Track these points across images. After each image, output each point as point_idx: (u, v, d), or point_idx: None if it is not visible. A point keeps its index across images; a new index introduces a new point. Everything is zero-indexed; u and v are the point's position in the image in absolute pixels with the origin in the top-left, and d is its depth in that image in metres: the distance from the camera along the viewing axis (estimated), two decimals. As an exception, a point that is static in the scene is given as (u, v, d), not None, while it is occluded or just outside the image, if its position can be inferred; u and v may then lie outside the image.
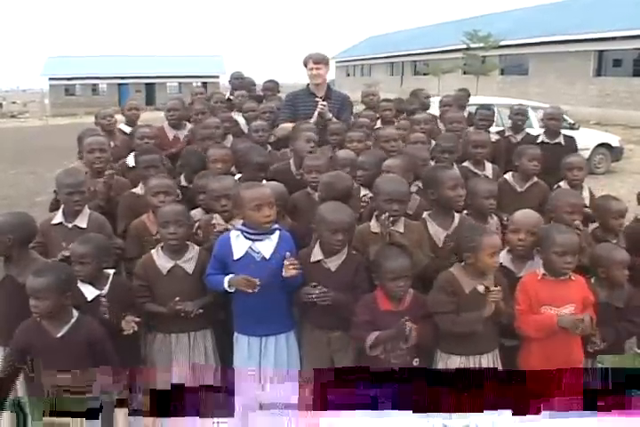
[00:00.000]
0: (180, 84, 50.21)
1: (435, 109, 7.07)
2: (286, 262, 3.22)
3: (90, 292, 3.29)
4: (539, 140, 5.88)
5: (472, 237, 3.22)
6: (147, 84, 49.70)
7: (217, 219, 3.80)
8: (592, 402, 2.80)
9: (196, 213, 4.02)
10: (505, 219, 3.90)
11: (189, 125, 5.99)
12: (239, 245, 3.35)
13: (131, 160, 5.03)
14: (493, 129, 6.46)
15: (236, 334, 3.54)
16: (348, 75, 55.72)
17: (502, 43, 27.54)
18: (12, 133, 26.08)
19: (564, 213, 3.73)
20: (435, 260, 3.57)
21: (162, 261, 3.52)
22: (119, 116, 6.78)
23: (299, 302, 3.49)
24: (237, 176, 4.41)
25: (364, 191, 4.11)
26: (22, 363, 3.00)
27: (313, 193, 4.15)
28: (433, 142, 5.19)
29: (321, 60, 5.86)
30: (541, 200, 4.47)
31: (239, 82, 7.64)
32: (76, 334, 3.02)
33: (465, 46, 28.56)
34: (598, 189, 9.91)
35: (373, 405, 2.82)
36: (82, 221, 3.76)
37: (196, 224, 3.80)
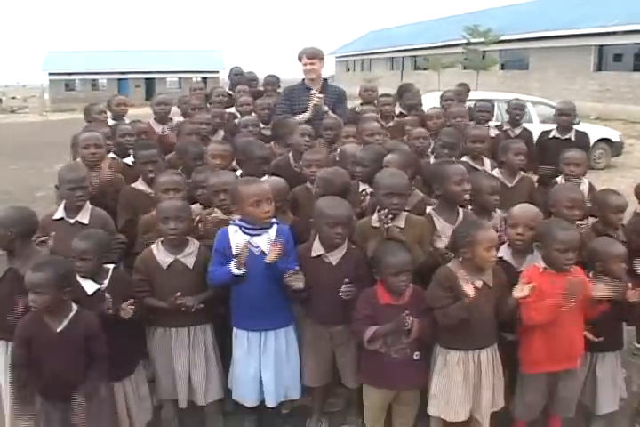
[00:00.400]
0: (179, 79, 50.13)
1: (432, 104, 7.05)
2: (271, 246, 3.21)
3: (90, 286, 3.30)
4: (550, 136, 5.88)
5: (468, 231, 3.22)
6: (146, 79, 49.61)
7: (217, 213, 3.80)
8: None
9: (195, 208, 4.01)
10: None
11: (176, 120, 6.00)
12: (238, 239, 3.35)
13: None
14: (492, 124, 6.46)
15: (235, 329, 3.55)
16: (348, 70, 55.59)
17: (502, 37, 27.47)
18: (11, 129, 26.04)
19: (564, 208, 3.73)
20: (432, 254, 3.57)
21: (162, 255, 3.52)
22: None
23: (296, 297, 3.50)
24: (239, 172, 4.42)
25: (362, 186, 4.11)
26: (25, 357, 3.04)
27: (313, 187, 4.15)
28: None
29: (315, 56, 5.86)
30: (530, 194, 4.49)
31: (238, 78, 7.63)
32: (76, 327, 3.03)
33: (465, 41, 28.48)
34: (598, 183, 9.91)
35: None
36: (84, 217, 3.77)
37: (197, 219, 3.80)
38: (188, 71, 48.48)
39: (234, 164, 4.58)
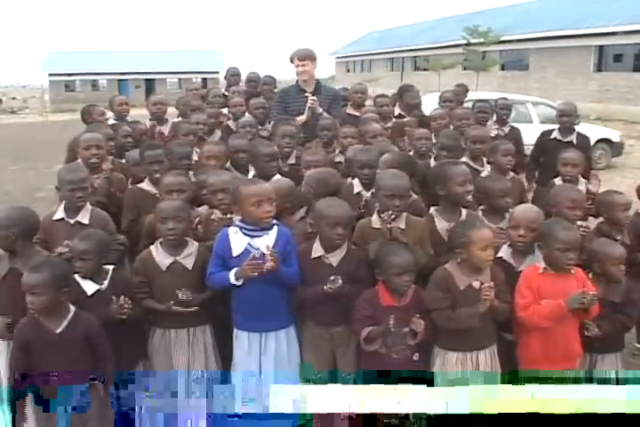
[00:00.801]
0: (179, 79, 50.19)
1: (432, 105, 7.06)
2: (267, 252, 3.20)
3: (89, 287, 3.30)
4: (551, 137, 5.87)
5: (463, 232, 3.22)
6: (146, 79, 49.68)
7: (217, 214, 3.80)
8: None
9: (202, 209, 4.00)
10: None
11: (172, 120, 6.01)
12: (238, 241, 3.35)
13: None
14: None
15: (235, 330, 3.55)
16: (349, 70, 55.61)
17: (502, 38, 27.49)
18: (12, 129, 26.05)
19: (565, 208, 3.73)
20: (432, 257, 3.57)
21: (161, 257, 3.51)
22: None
23: (299, 299, 3.50)
24: (252, 173, 4.42)
25: (357, 188, 4.10)
26: (24, 358, 3.03)
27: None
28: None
29: (306, 57, 5.86)
30: (520, 195, 4.49)
31: (235, 79, 7.63)
32: (75, 329, 3.02)
33: (465, 42, 28.49)
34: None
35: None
36: (84, 217, 3.76)
37: (197, 220, 3.79)
38: (188, 72, 48.54)
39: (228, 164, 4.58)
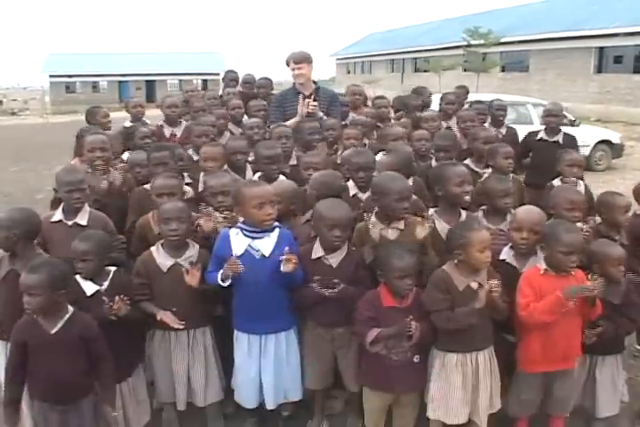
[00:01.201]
0: (180, 81, 50.16)
1: (435, 107, 7.06)
2: (285, 256, 3.21)
3: (89, 287, 3.30)
4: (537, 137, 5.86)
5: (461, 233, 3.22)
6: (147, 81, 49.73)
7: (216, 217, 3.79)
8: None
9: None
10: None
11: (185, 123, 6.00)
12: (238, 242, 3.35)
13: (126, 157, 5.04)
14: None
15: (235, 331, 3.55)
16: (349, 72, 55.62)
17: (503, 39, 27.51)
18: (12, 131, 26.06)
19: (564, 209, 3.73)
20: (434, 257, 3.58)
21: (162, 258, 3.51)
22: (121, 114, 6.77)
23: (300, 300, 3.50)
24: (258, 174, 4.43)
25: (353, 191, 4.09)
26: (22, 358, 3.03)
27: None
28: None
29: (302, 60, 5.84)
30: (521, 196, 4.51)
31: (233, 84, 7.60)
32: (71, 329, 3.02)
33: (466, 43, 28.51)
34: (599, 185, 9.93)
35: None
36: (82, 219, 3.75)
37: (196, 221, 3.79)
38: (189, 73, 48.58)
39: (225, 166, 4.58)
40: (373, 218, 3.62)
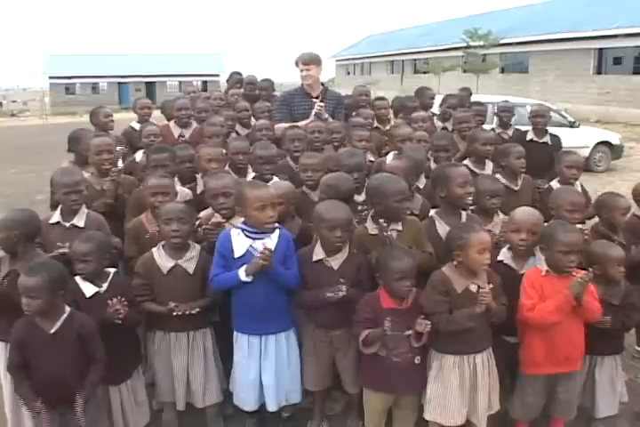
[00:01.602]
0: (180, 82, 50.25)
1: (435, 108, 7.06)
2: (259, 252, 3.19)
3: (89, 289, 3.30)
4: (528, 138, 5.87)
5: (460, 234, 3.22)
6: (147, 82, 49.76)
7: (217, 217, 3.80)
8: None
9: (206, 213, 3.98)
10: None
11: (195, 124, 6.00)
12: (240, 243, 3.35)
13: (139, 157, 5.05)
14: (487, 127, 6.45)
15: (235, 333, 3.55)
16: (349, 73, 55.68)
17: (502, 41, 27.58)
18: (12, 132, 26.07)
19: (565, 211, 3.74)
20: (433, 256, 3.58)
21: (163, 260, 3.51)
22: (119, 115, 6.77)
23: (299, 302, 3.50)
24: (252, 174, 4.44)
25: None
26: (18, 360, 3.03)
27: (309, 192, 4.16)
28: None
29: (310, 62, 5.86)
30: (534, 196, 4.51)
31: (239, 85, 7.60)
32: (69, 329, 3.02)
33: (465, 44, 28.54)
34: (599, 186, 9.94)
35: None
36: (79, 221, 3.75)
37: (197, 222, 3.80)
38: (189, 75, 48.60)
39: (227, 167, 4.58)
40: (369, 222, 3.62)
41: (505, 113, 6.35)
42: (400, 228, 3.54)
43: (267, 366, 3.48)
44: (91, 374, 3.09)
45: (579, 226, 3.70)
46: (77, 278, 3.31)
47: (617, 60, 25.47)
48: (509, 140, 5.67)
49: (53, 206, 4.18)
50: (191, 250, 3.56)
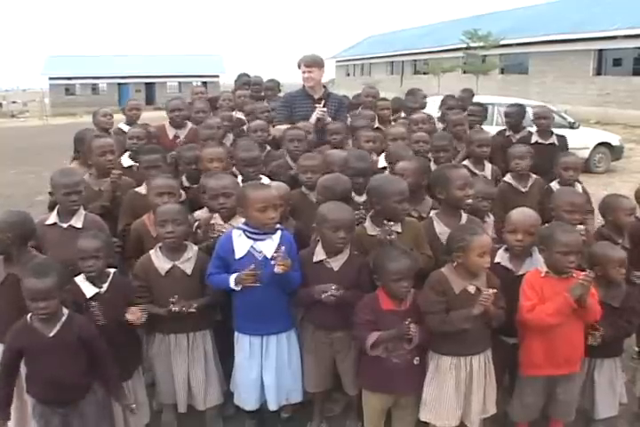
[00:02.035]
0: (179, 83, 50.29)
1: (431, 109, 7.05)
2: (276, 258, 3.20)
3: (89, 290, 3.29)
4: (532, 141, 5.87)
5: (462, 236, 3.22)
6: (147, 83, 49.74)
7: (216, 218, 3.80)
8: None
9: (202, 213, 4.00)
10: None
11: (190, 125, 5.99)
12: (241, 244, 3.35)
13: (125, 160, 5.03)
14: (493, 128, 6.45)
15: (236, 333, 3.55)
16: (348, 74, 55.66)
17: (502, 42, 27.55)
18: (12, 133, 26.07)
19: (565, 212, 3.74)
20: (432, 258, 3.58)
21: (160, 261, 3.51)
22: (118, 116, 6.77)
23: (300, 303, 3.50)
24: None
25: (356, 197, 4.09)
26: (15, 364, 3.03)
27: (308, 193, 4.16)
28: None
29: (312, 64, 5.86)
30: (541, 197, 4.51)
31: (246, 86, 7.59)
32: (68, 332, 3.02)
33: (465, 45, 28.53)
34: (599, 188, 9.94)
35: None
36: (77, 222, 3.72)
37: (196, 223, 3.79)
38: (188, 75, 48.63)
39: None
40: (368, 222, 3.62)
41: (514, 115, 6.31)
42: (399, 229, 3.54)
43: (268, 366, 3.49)
44: (108, 371, 3.13)
45: (579, 227, 3.70)
46: (77, 279, 3.31)
47: (617, 62, 25.46)
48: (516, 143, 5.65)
49: (51, 208, 4.18)
50: (188, 251, 3.56)
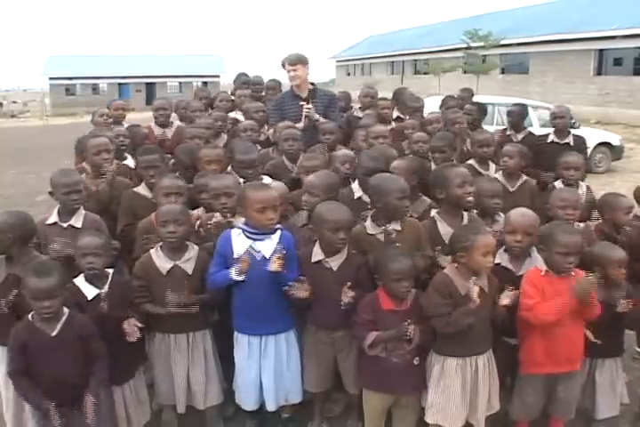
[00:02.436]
0: (180, 83, 50.30)
1: (431, 109, 7.05)
2: (273, 257, 3.21)
3: (90, 291, 3.29)
4: (549, 140, 5.86)
5: (466, 236, 3.21)
6: (147, 83, 49.74)
7: (217, 217, 3.80)
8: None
9: (198, 212, 4.00)
10: None
11: (177, 124, 6.00)
12: (240, 243, 3.35)
13: (130, 162, 5.03)
14: (493, 128, 6.44)
15: (235, 333, 3.55)
16: (349, 74, 55.64)
17: (503, 42, 27.55)
18: (12, 133, 26.09)
19: (557, 207, 3.77)
20: (433, 259, 3.57)
21: (161, 261, 3.51)
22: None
23: (299, 304, 3.50)
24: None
25: (357, 193, 4.09)
26: (24, 362, 3.02)
27: None
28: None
29: (296, 61, 5.83)
30: (531, 198, 4.51)
31: (246, 86, 7.60)
32: (69, 331, 3.02)
33: (465, 45, 28.53)
34: (599, 187, 9.92)
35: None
36: (77, 221, 3.74)
37: (197, 222, 3.79)
38: (189, 75, 48.65)
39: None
40: (368, 221, 3.62)
41: (516, 115, 6.31)
42: (399, 228, 3.54)
43: (266, 367, 3.48)
44: (96, 374, 3.10)
45: (579, 224, 3.69)
46: (77, 280, 3.31)
47: (617, 61, 25.45)
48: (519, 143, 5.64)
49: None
50: (189, 251, 3.56)
